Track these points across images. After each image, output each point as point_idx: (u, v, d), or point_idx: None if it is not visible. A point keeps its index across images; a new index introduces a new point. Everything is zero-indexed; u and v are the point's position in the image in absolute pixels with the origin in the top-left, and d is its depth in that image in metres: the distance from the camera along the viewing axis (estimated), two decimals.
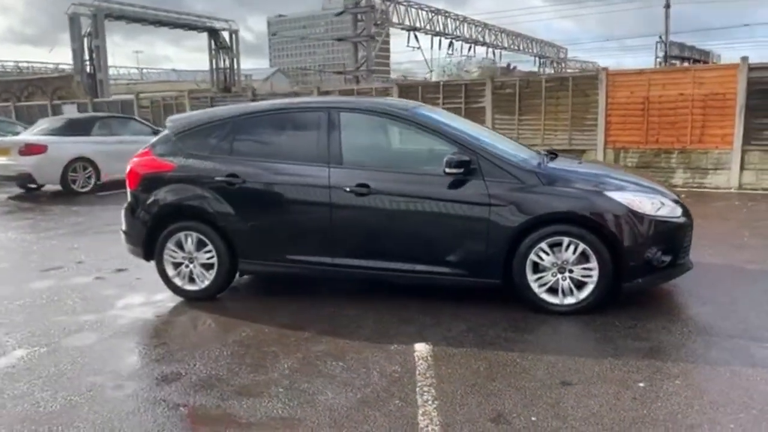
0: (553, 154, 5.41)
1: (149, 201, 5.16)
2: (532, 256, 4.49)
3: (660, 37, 39.97)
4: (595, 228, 4.39)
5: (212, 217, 5.01)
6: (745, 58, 10.34)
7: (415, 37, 41.06)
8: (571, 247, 4.43)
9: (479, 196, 4.52)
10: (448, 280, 4.75)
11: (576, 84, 11.82)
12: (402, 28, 38.84)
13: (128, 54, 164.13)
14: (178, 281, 5.19)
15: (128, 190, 5.37)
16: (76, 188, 12.03)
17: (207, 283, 5.12)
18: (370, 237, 4.78)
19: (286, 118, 5.18)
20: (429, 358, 3.89)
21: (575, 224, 4.42)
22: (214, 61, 40.20)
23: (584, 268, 4.44)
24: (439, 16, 43.71)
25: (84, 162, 12.14)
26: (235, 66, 40.39)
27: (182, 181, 5.10)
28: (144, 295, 5.41)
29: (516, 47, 56.71)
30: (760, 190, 10.31)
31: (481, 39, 51.24)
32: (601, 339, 4.12)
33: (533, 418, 3.12)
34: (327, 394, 3.46)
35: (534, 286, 4.53)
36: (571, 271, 4.47)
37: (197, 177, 5.04)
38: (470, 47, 52.41)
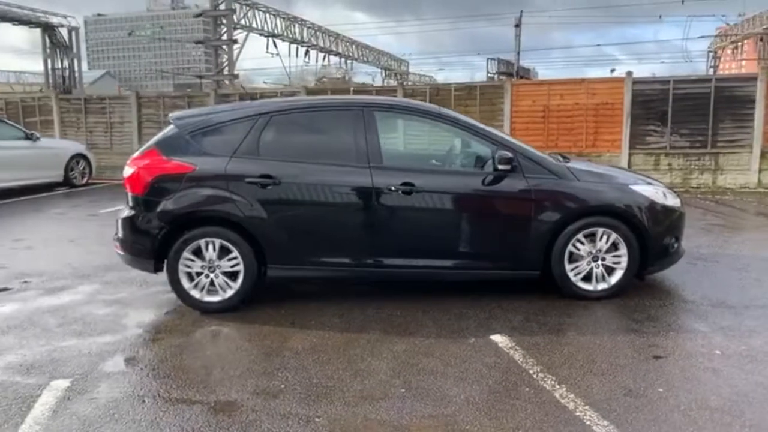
0: (565, 157, 5.76)
1: (163, 207, 4.66)
2: (570, 247, 4.80)
3: (510, 57, 43.47)
4: (626, 218, 4.80)
5: (241, 221, 4.66)
6: (629, 73, 11.77)
7: (274, 44, 40.57)
8: (604, 237, 4.80)
9: (522, 192, 4.73)
10: (490, 275, 4.90)
11: (483, 93, 12.58)
12: (261, 34, 38.16)
13: None
14: (195, 293, 4.74)
15: (131, 195, 4.80)
16: None
17: (230, 293, 4.74)
18: (416, 236, 4.77)
19: (318, 117, 4.98)
20: (516, 347, 4.00)
21: (609, 215, 4.80)
22: (49, 61, 36.12)
23: (614, 256, 4.84)
24: (296, 24, 43.67)
25: None
26: (75, 67, 36.69)
27: (204, 183, 4.68)
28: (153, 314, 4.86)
29: (365, 59, 58.49)
30: None
31: (334, 49, 52.11)
32: (646, 318, 4.51)
33: (660, 389, 3.37)
34: (453, 389, 3.43)
35: (571, 275, 4.84)
36: (603, 259, 4.85)
37: (223, 178, 4.66)
38: (324, 56, 53.12)
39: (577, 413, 3.14)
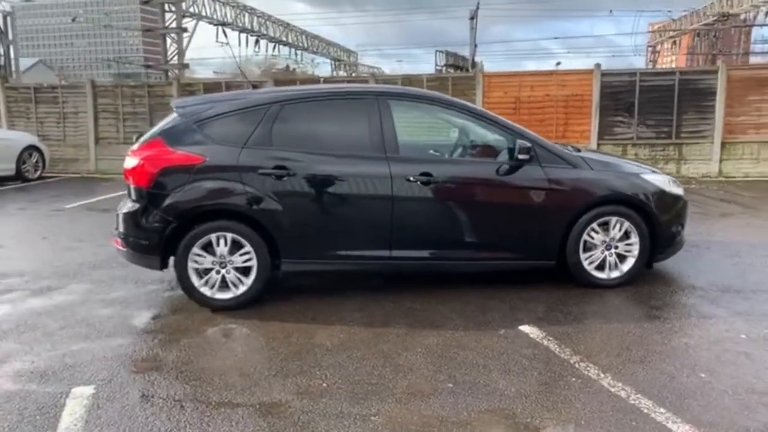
0: (576, 148, 5.75)
1: (172, 200, 4.42)
2: (584, 236, 4.82)
3: (456, 50, 43.70)
4: (638, 207, 4.86)
5: (254, 214, 4.47)
6: (598, 65, 12.03)
7: (224, 32, 39.57)
8: (617, 226, 4.85)
9: (539, 181, 4.72)
10: (507, 264, 4.88)
11: (455, 84, 12.59)
12: (210, 22, 37.14)
13: None
14: (206, 291, 4.53)
15: (134, 188, 4.53)
16: None
17: (243, 289, 4.55)
18: (434, 227, 4.69)
19: (331, 105, 4.81)
20: (548, 338, 3.99)
21: (622, 204, 4.85)
22: None
23: (627, 244, 4.90)
24: (246, 13, 42.71)
25: None
26: (12, 54, 34.73)
27: (215, 175, 4.46)
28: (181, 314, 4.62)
29: (315, 49, 57.78)
30: None
31: (284, 39, 51.25)
32: (664, 305, 4.58)
33: (702, 375, 3.42)
34: (500, 382, 3.38)
35: (585, 264, 4.87)
36: (616, 248, 4.90)
37: (235, 170, 4.45)
38: (274, 46, 52.19)
39: (632, 401, 3.14)
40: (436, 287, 4.99)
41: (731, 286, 4.98)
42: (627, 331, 4.08)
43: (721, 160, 11.76)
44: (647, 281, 5.08)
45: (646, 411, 3.05)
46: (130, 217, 4.52)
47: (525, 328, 4.15)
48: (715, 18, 36.14)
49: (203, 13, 35.66)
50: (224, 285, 4.55)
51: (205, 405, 3.16)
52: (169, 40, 33.24)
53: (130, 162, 4.53)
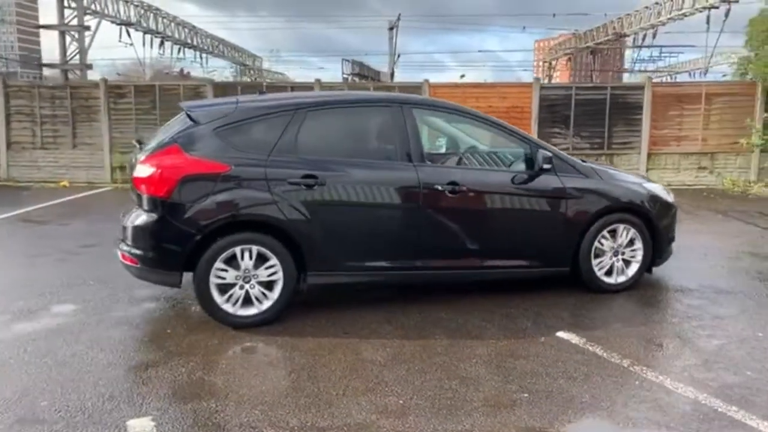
0: (583, 160, 5.89)
1: (194, 211, 4.11)
2: (596, 243, 5.01)
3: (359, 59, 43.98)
4: (643, 214, 5.11)
5: (283, 225, 4.25)
6: (537, 79, 12.58)
7: (128, 33, 37.50)
8: (624, 233, 5.08)
9: (557, 191, 4.84)
10: (525, 273, 4.95)
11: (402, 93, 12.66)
12: (113, 22, 35.07)
13: None
14: (228, 308, 4.25)
15: (148, 198, 4.17)
16: None
17: (268, 304, 4.31)
18: (461, 236, 4.67)
19: (355, 113, 4.67)
20: (589, 343, 4.08)
21: (629, 212, 5.08)
22: None
23: (632, 250, 5.13)
24: (151, 14, 40.72)
25: None
26: None
27: (242, 184, 4.20)
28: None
29: (221, 53, 56.13)
30: None
31: (190, 41, 49.38)
32: (676, 307, 4.84)
33: (748, 373, 3.64)
34: (572, 390, 3.41)
35: (596, 269, 5.05)
36: (623, 254, 5.12)
37: (263, 179, 4.21)
38: (180, 49, 50.12)
39: (704, 402, 3.27)
40: (452, 296, 4.96)
41: (722, 287, 5.34)
42: (660, 334, 4.27)
43: (647, 170, 12.64)
44: (644, 285, 5.33)
45: (721, 411, 3.19)
46: (145, 230, 4.15)
47: (563, 335, 4.23)
48: (607, 38, 38.70)
49: (106, 12, 33.61)
50: (247, 301, 4.29)
51: (288, 430, 2.95)
52: (68, 38, 31.03)
53: (144, 170, 4.16)
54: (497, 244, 4.79)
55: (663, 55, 44.67)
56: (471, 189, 4.63)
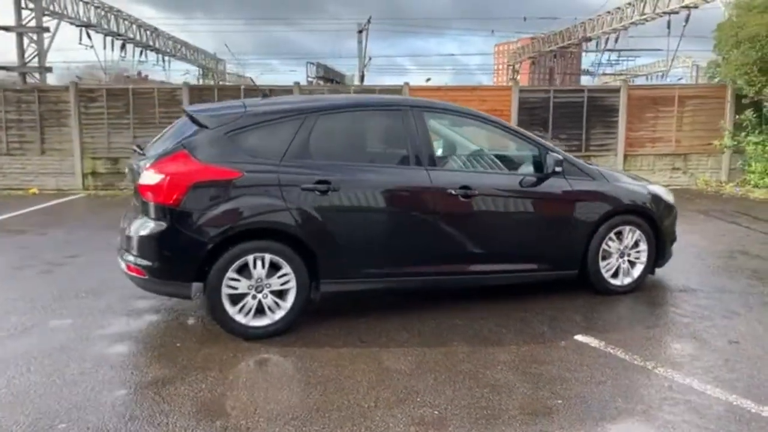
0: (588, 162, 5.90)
1: (206, 219, 3.96)
2: (603, 245, 5.02)
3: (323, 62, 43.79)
4: (647, 216, 5.15)
5: (297, 232, 4.13)
6: (516, 81, 12.69)
7: (88, 35, 36.50)
8: (630, 234, 5.11)
9: (567, 194, 4.84)
10: (535, 276, 4.93)
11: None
12: (73, 23, 34.07)
13: None
14: (240, 318, 4.10)
15: (155, 206, 3.99)
16: None
17: (281, 314, 4.19)
18: (474, 240, 4.62)
19: (366, 117, 4.58)
20: (609, 346, 4.07)
21: (635, 214, 5.11)
22: None
23: (637, 252, 5.17)
24: (112, 15, 39.72)
25: None
26: None
27: (255, 191, 4.06)
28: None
29: (183, 56, 55.13)
30: None
31: (152, 44, 48.35)
32: (685, 307, 4.88)
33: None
34: (603, 395, 3.38)
35: (603, 271, 5.06)
36: (628, 255, 5.15)
37: (276, 185, 4.08)
38: (141, 51, 49.03)
39: (736, 403, 3.28)
40: (462, 302, 4.90)
41: (722, 287, 5.43)
42: (678, 335, 4.28)
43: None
44: (648, 286, 5.38)
45: (755, 412, 3.20)
46: (153, 240, 3.97)
47: (581, 338, 4.21)
48: (570, 41, 39.26)
49: (66, 13, 32.64)
50: (259, 311, 4.15)
51: None
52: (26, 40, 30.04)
53: (151, 177, 3.98)
54: (510, 248, 4.76)
55: (621, 59, 45.80)
56: (483, 193, 4.58)
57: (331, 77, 54.00)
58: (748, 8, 12.62)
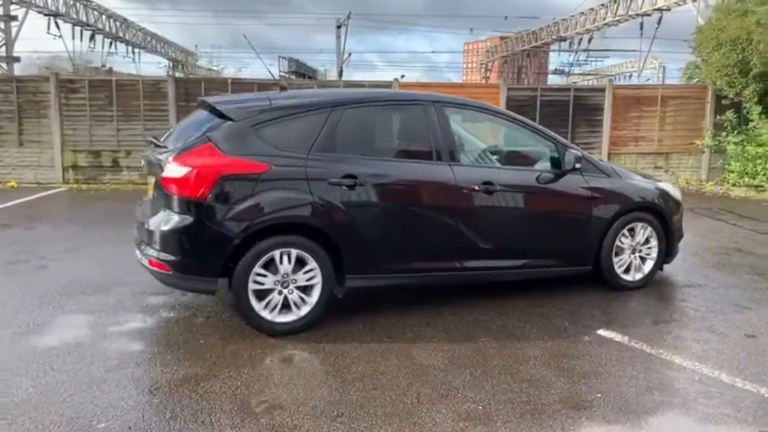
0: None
1: (236, 213, 3.88)
2: (617, 241, 5.09)
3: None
4: (658, 212, 5.24)
5: (323, 227, 4.08)
6: (504, 80, 12.76)
7: (56, 24, 35.48)
8: (641, 231, 5.19)
9: (584, 190, 4.89)
10: (552, 272, 4.97)
11: None
12: (41, 12, 33.08)
13: None
14: (266, 314, 4.04)
15: (180, 199, 3.89)
16: None
17: (306, 310, 4.14)
18: (496, 237, 4.64)
19: (391, 111, 4.55)
20: (634, 341, 4.12)
21: (646, 210, 5.19)
22: None
23: (648, 248, 5.25)
24: (81, 5, 38.67)
25: None
26: None
27: (283, 185, 4.00)
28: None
29: (153, 48, 54.02)
30: None
31: (122, 35, 47.26)
32: (695, 302, 4.98)
33: None
34: (640, 389, 3.43)
35: (616, 267, 5.13)
36: (640, 251, 5.23)
37: (304, 179, 4.02)
38: (111, 42, 47.88)
39: None
40: (478, 297, 4.90)
41: (726, 282, 5.55)
42: (691, 328, 4.37)
43: None
44: (656, 282, 5.46)
45: None
46: (178, 234, 3.87)
47: (604, 333, 4.26)
48: (543, 41, 39.64)
49: (34, 1, 31.65)
50: (284, 307, 4.09)
51: None
52: None
53: (177, 170, 3.87)
54: (531, 244, 4.79)
55: (589, 59, 46.57)
56: (505, 189, 4.59)
57: (303, 72, 53.56)
58: (728, 11, 12.95)
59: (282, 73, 47.14)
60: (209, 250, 3.89)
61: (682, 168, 13.25)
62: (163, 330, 4.22)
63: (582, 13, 32.04)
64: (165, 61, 55.39)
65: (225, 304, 4.61)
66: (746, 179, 12.14)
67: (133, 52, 51.01)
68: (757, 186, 11.95)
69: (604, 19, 29.84)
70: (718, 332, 4.31)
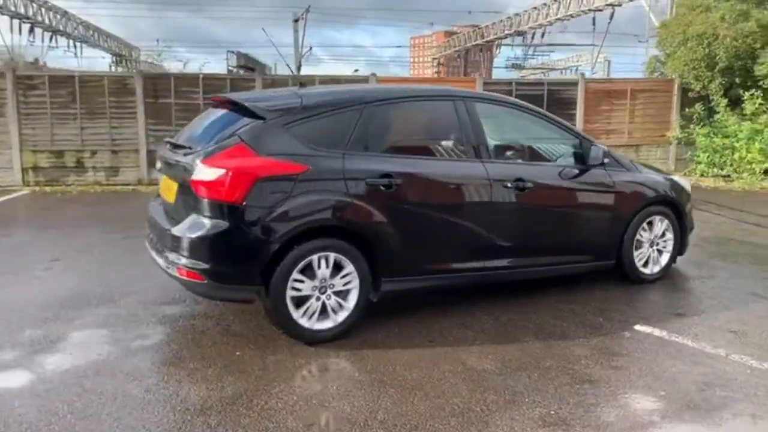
0: None
1: (272, 217, 3.66)
2: (637, 235, 5.11)
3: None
4: (674, 206, 5.29)
5: (361, 229, 3.91)
6: (481, 75, 12.78)
7: None
8: (659, 224, 5.23)
9: (608, 185, 4.88)
10: (580, 268, 4.95)
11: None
12: None
13: None
14: (304, 322, 3.85)
15: (212, 203, 3.65)
16: None
17: (344, 315, 3.96)
18: (529, 234, 4.57)
19: (422, 107, 4.40)
20: (674, 335, 4.12)
21: (663, 204, 5.23)
22: None
23: (664, 241, 5.30)
24: None
25: None
26: None
27: (321, 186, 3.80)
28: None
29: (96, 42, 51.98)
30: None
31: (62, 29, 45.28)
32: (712, 292, 5.04)
33: None
34: (700, 385, 3.42)
35: (636, 261, 5.15)
36: (657, 244, 5.27)
37: (342, 179, 3.84)
38: (51, 36, 45.78)
39: None
40: (497, 297, 4.79)
41: (736, 272, 5.67)
42: (723, 320, 4.40)
43: None
44: (669, 274, 5.51)
45: None
46: (214, 241, 3.63)
47: (641, 328, 4.25)
48: (497, 36, 40.04)
49: None
50: (321, 313, 3.91)
51: None
52: None
53: (208, 172, 3.62)
54: (562, 240, 4.75)
55: (536, 53, 47.40)
56: (536, 185, 4.53)
57: (251, 66, 52.55)
58: (691, 6, 13.34)
59: (230, 67, 46.10)
60: (247, 257, 3.66)
61: (651, 159, 13.55)
62: (191, 343, 3.96)
63: (535, 8, 32.55)
64: (108, 56, 53.24)
65: (235, 311, 4.40)
66: (714, 170, 12.54)
67: (75, 46, 48.84)
68: (725, 176, 12.36)
69: (557, 14, 30.44)
70: (749, 323, 4.36)
